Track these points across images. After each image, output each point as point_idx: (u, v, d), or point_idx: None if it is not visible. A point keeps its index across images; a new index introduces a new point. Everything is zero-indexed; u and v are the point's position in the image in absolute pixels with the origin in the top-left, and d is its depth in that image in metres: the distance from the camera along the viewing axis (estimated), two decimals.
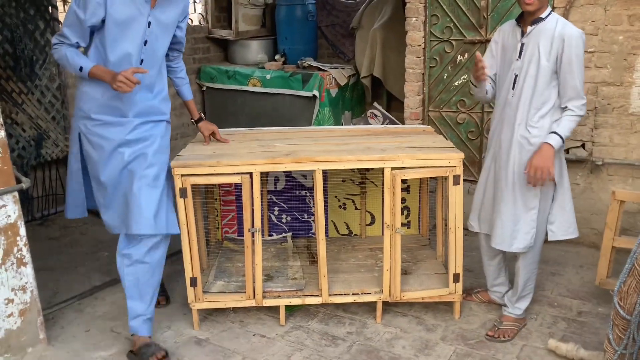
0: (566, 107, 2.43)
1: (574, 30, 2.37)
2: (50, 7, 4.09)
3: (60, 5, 4.23)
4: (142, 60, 2.46)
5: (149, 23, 2.43)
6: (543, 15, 2.42)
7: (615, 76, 3.36)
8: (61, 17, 4.22)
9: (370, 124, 4.79)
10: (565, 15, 3.40)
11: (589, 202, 3.57)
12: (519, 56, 2.47)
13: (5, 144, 2.34)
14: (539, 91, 2.44)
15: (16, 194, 2.41)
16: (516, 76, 2.48)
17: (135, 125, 2.49)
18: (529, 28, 2.44)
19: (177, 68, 2.84)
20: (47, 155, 4.23)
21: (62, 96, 4.27)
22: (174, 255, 3.41)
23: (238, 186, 3.03)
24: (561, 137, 2.40)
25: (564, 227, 2.59)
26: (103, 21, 2.33)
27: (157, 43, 2.50)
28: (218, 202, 3.43)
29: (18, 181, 2.42)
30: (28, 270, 2.51)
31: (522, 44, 2.46)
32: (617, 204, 2.82)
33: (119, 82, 2.27)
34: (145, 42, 2.44)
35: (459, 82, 3.89)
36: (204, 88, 5.41)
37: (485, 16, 3.70)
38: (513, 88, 2.50)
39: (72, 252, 3.74)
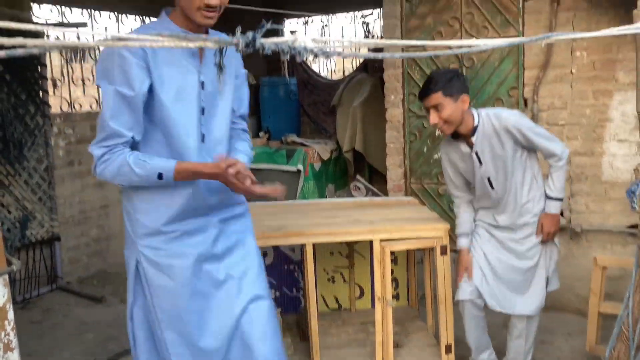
0: (550, 164, 2.50)
1: (510, 118, 2.39)
2: (41, 92, 4.20)
3: (50, 89, 4.35)
4: (203, 136, 1.82)
5: (202, 83, 1.79)
6: (475, 124, 2.42)
7: (586, 147, 3.54)
8: (52, 101, 4.35)
9: (353, 196, 4.89)
10: (535, 91, 3.62)
11: (571, 268, 3.65)
12: (480, 163, 2.48)
13: None
14: (517, 174, 2.47)
15: (6, 276, 2.39)
16: (488, 178, 2.50)
17: (219, 228, 1.92)
18: (472, 138, 2.45)
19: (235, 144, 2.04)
20: (32, 237, 4.20)
21: (49, 177, 4.30)
22: None
23: None
24: (558, 199, 2.49)
25: (555, 277, 2.64)
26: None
27: (217, 109, 1.85)
28: None
29: (8, 263, 2.41)
30: (15, 356, 2.44)
31: (476, 153, 2.47)
32: (600, 269, 2.90)
33: (234, 181, 1.72)
34: (203, 109, 1.81)
35: (439, 155, 4.04)
36: None
37: None
38: (492, 188, 2.52)
39: (55, 335, 3.65)
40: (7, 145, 4.00)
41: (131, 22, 5.30)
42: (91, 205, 4.82)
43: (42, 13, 4.48)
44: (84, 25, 4.45)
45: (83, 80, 4.85)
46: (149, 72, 1.67)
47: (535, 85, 3.63)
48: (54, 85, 4.48)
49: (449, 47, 0.98)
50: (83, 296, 4.23)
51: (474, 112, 2.44)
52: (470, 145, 2.47)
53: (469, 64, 3.88)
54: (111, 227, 5.01)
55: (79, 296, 4.25)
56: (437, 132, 4.00)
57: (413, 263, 3.36)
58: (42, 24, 4.20)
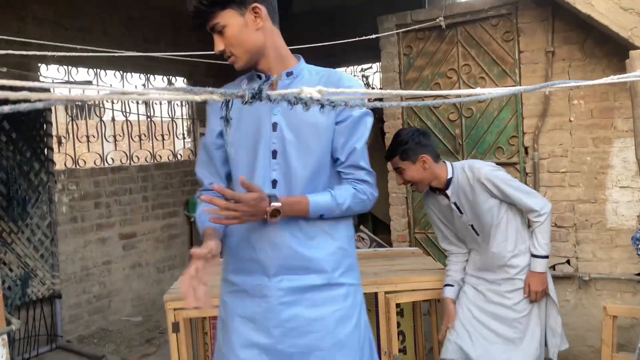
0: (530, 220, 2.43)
1: (483, 169, 2.36)
2: (46, 149, 4.25)
3: (55, 146, 4.40)
4: (274, 182, 1.63)
5: (274, 125, 1.62)
6: (449, 176, 2.43)
7: (589, 194, 3.54)
8: (56, 157, 4.40)
9: (358, 247, 4.85)
10: (535, 139, 3.65)
11: (581, 318, 3.57)
12: (460, 212, 2.46)
13: None
14: (500, 226, 2.42)
15: (5, 336, 2.34)
16: (472, 225, 2.48)
17: (281, 300, 1.62)
18: (448, 191, 2.45)
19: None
20: (33, 295, 4.15)
21: (52, 233, 4.29)
22: None
23: None
24: (543, 256, 2.39)
25: (563, 337, 2.52)
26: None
27: (293, 154, 1.61)
28: (208, 336, 3.34)
29: (7, 323, 2.37)
30: None
31: (454, 203, 2.46)
32: (610, 319, 2.84)
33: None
34: (274, 153, 1.63)
35: None
36: (192, 219, 5.49)
37: (461, 143, 3.95)
38: (478, 234, 2.49)
39: None
40: (10, 202, 4.01)
41: (136, 79, 5.42)
42: (93, 262, 4.79)
43: (49, 73, 4.59)
44: (89, 83, 4.56)
45: (88, 137, 4.91)
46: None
47: (535, 133, 3.67)
48: (59, 143, 4.53)
49: (458, 96, 1.00)
50: (84, 355, 4.14)
51: (448, 165, 2.45)
52: (448, 197, 2.46)
53: (468, 113, 3.94)
54: (113, 283, 4.95)
55: (79, 355, 4.15)
56: None
57: (419, 315, 3.29)
58: (48, 83, 4.30)
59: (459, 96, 1.12)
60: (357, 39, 3.74)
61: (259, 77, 1.69)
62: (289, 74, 1.66)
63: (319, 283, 1.63)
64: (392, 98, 1.10)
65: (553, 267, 3.63)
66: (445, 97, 1.01)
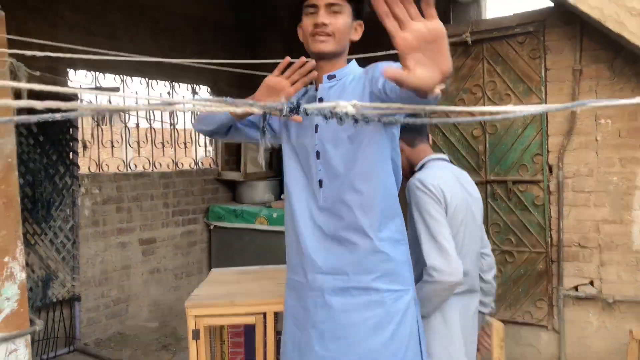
0: None
1: (414, 180, 2.04)
2: (71, 153, 4.31)
3: (80, 150, 4.47)
4: (320, 182, 1.66)
5: (316, 127, 1.67)
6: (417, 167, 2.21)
7: (615, 215, 3.48)
8: (80, 162, 4.46)
9: None
10: (560, 158, 3.61)
11: (605, 341, 3.50)
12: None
13: (24, 285, 2.36)
14: None
15: (29, 337, 2.37)
16: None
17: (315, 300, 1.67)
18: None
19: None
20: (53, 296, 4.20)
21: (74, 236, 4.34)
22: None
23: (248, 327, 2.98)
24: None
25: None
26: None
27: (331, 153, 1.64)
28: (226, 345, 3.34)
29: (31, 323, 2.40)
30: None
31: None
32: (636, 343, 2.78)
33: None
34: (317, 153, 1.67)
35: None
36: (212, 227, 5.52)
37: (484, 159, 3.92)
38: None
39: None
40: (35, 204, 4.07)
41: (161, 87, 5.49)
42: (113, 266, 4.83)
43: (77, 78, 4.67)
44: (116, 89, 4.62)
45: (112, 143, 4.98)
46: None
47: (560, 152, 3.63)
48: (84, 147, 4.60)
49: (486, 113, 0.99)
50: (101, 359, 4.16)
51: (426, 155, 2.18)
52: None
53: (492, 130, 3.91)
54: (131, 287, 4.99)
55: (96, 358, 4.18)
56: None
57: None
58: (76, 88, 4.37)
59: (488, 113, 1.11)
60: (382, 53, 3.75)
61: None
62: (330, 77, 1.69)
63: (346, 285, 1.62)
64: (419, 110, 1.12)
65: (576, 288, 3.58)
66: (490, 113, 1.00)
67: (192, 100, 0.78)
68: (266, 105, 0.78)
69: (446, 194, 1.97)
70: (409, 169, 2.16)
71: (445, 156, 2.20)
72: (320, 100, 1.65)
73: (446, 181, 2.01)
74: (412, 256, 1.89)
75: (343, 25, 1.62)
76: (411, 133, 2.14)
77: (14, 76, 2.73)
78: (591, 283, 3.56)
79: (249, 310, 2.60)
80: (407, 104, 0.99)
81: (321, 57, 1.66)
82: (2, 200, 2.26)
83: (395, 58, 1.04)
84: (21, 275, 2.36)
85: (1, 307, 2.28)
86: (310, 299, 1.67)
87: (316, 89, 1.73)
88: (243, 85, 5.40)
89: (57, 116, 0.77)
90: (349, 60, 1.75)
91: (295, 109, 0.80)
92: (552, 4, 3.65)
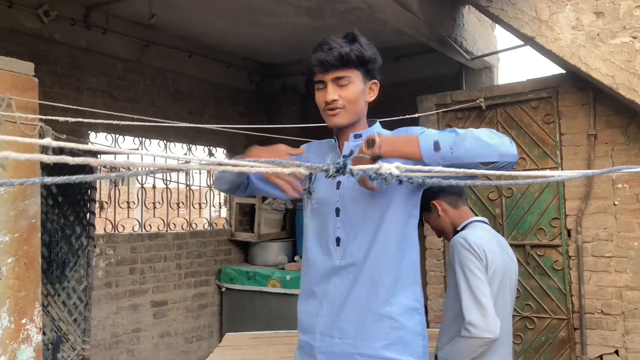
0: None
1: (458, 238, 2.11)
2: (88, 214, 4.34)
3: (97, 211, 4.50)
4: (337, 240, 1.65)
5: (338, 183, 1.67)
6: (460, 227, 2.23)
7: (637, 281, 3.41)
8: (96, 222, 4.48)
9: None
10: (578, 222, 3.59)
11: None
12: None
13: (40, 348, 2.32)
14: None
15: None
16: None
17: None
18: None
19: None
20: None
21: (86, 298, 4.29)
22: None
23: None
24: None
25: None
26: None
27: (351, 210, 1.64)
28: None
29: None
30: None
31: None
32: None
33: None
34: (337, 210, 1.66)
35: None
36: (223, 289, 5.46)
37: (501, 222, 3.90)
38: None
39: None
40: (50, 265, 4.06)
41: (178, 149, 5.59)
42: (123, 329, 4.75)
43: (97, 139, 4.79)
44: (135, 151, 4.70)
45: (128, 203, 5.02)
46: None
47: (578, 216, 3.60)
48: (101, 208, 4.63)
49: (523, 177, 1.00)
50: None
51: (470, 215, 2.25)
52: None
53: (508, 193, 3.91)
54: (141, 352, 4.88)
55: None
56: None
57: None
58: (95, 150, 4.46)
59: (524, 177, 1.13)
60: (397, 117, 3.81)
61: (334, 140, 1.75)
62: (357, 136, 1.69)
63: (352, 351, 1.58)
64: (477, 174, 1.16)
65: (600, 358, 3.46)
66: (514, 177, 1.02)
67: (240, 162, 0.80)
68: (312, 165, 0.80)
69: (488, 254, 2.01)
70: (452, 230, 2.21)
71: (485, 219, 2.25)
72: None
73: (488, 242, 2.06)
74: (450, 311, 2.05)
75: (354, 95, 1.60)
76: (453, 195, 2.19)
77: (42, 138, 2.80)
78: (616, 352, 3.44)
79: None
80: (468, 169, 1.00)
81: (338, 129, 1.69)
82: (23, 260, 2.26)
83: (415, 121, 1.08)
84: (37, 338, 2.33)
85: None
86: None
87: (338, 146, 1.72)
88: None
89: (90, 177, 0.79)
90: (371, 121, 1.75)
91: (342, 169, 0.81)
92: (564, 71, 3.74)
